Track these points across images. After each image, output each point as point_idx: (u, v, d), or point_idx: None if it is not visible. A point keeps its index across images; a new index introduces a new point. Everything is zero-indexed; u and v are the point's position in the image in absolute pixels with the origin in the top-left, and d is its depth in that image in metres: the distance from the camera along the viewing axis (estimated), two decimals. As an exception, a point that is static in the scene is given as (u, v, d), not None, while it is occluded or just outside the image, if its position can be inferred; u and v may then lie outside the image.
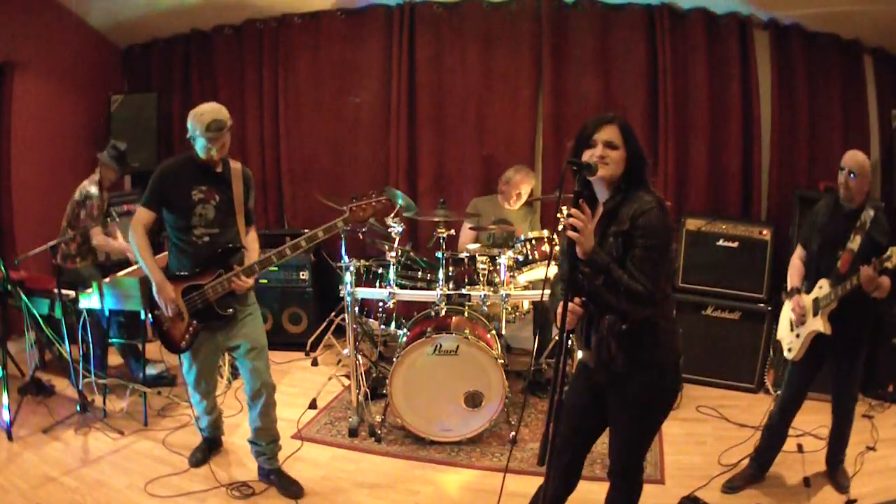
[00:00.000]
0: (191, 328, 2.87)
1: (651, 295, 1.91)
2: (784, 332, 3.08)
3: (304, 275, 4.92)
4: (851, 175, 2.79)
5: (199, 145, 2.75)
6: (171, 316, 2.86)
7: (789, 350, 3.01)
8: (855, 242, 2.77)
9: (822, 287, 2.86)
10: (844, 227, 2.83)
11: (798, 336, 2.95)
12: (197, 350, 2.98)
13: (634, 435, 2.17)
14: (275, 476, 3.08)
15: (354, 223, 2.82)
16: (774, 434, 3.08)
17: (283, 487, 3.03)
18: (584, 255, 1.88)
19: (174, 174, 2.83)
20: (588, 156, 1.99)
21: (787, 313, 3.07)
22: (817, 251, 2.96)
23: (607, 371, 2.08)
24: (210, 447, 3.36)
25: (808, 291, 2.95)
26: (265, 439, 3.05)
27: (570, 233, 1.86)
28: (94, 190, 3.95)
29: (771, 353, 4.21)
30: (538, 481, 2.15)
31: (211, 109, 2.72)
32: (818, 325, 2.84)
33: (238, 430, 3.61)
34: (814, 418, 3.41)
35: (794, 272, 3.09)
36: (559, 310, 1.90)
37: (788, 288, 3.08)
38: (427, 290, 3.74)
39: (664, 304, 2.07)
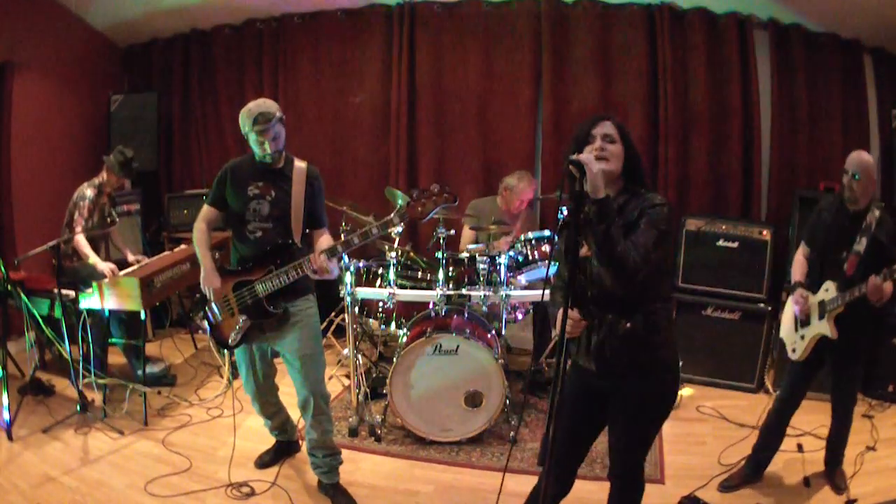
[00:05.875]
0: (239, 325, 2.82)
1: (637, 268, 1.87)
2: (787, 332, 3.07)
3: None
4: (855, 177, 2.78)
5: (252, 140, 2.75)
6: (219, 309, 2.83)
7: (793, 351, 3.00)
8: (861, 245, 2.76)
9: (829, 290, 2.84)
10: (850, 227, 2.82)
11: (803, 337, 2.95)
12: (248, 352, 2.96)
13: (637, 436, 2.16)
14: (332, 491, 2.99)
15: (413, 219, 2.67)
16: (772, 434, 3.08)
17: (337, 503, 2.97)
18: (593, 193, 1.86)
19: (233, 171, 2.85)
20: (588, 151, 1.99)
21: (789, 310, 3.05)
22: (822, 251, 2.95)
23: (609, 374, 2.08)
24: (280, 450, 3.33)
25: (814, 291, 2.94)
26: (320, 452, 2.98)
27: (583, 159, 1.85)
28: (89, 192, 3.94)
29: (772, 353, 4.20)
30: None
31: (256, 104, 2.73)
32: (825, 329, 2.83)
33: (238, 431, 3.60)
34: (814, 418, 3.41)
35: (798, 268, 3.06)
36: (559, 316, 1.90)
37: (792, 282, 3.06)
38: (427, 290, 3.74)
39: (665, 304, 2.08)
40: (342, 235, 4.06)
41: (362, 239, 2.69)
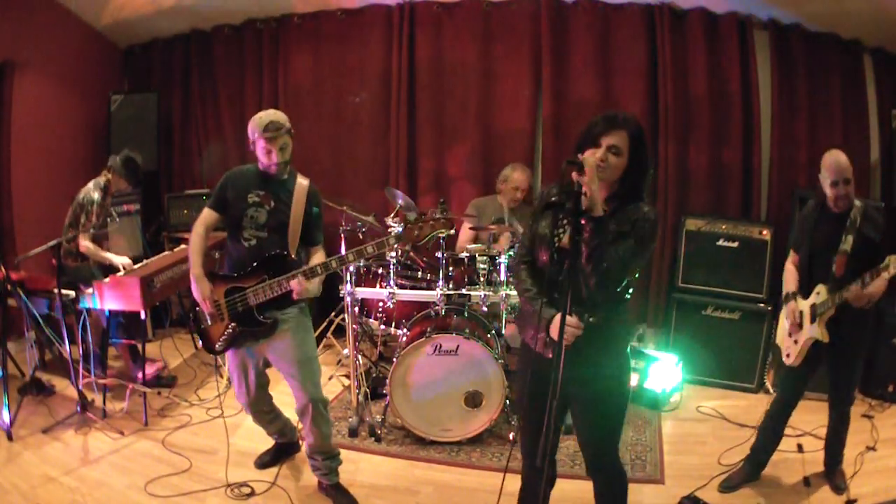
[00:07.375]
0: (228, 331, 2.82)
1: (616, 280, 1.99)
2: (782, 338, 3.07)
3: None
4: (846, 183, 2.78)
5: (259, 147, 2.78)
6: (209, 314, 2.82)
7: (787, 356, 3.00)
8: (847, 243, 2.76)
9: (820, 293, 2.84)
10: (835, 228, 2.82)
11: (796, 342, 2.94)
12: (240, 363, 2.95)
13: (606, 427, 2.22)
14: (332, 491, 3.02)
15: (408, 241, 2.73)
16: (769, 435, 3.09)
17: (339, 503, 2.99)
18: (590, 210, 1.89)
19: (236, 176, 2.88)
20: (589, 154, 1.97)
21: (784, 319, 3.06)
22: (809, 255, 2.95)
23: (570, 364, 2.08)
24: (280, 451, 3.33)
25: (806, 296, 2.94)
26: (320, 455, 2.99)
27: (585, 160, 1.88)
28: (97, 196, 3.92)
29: (770, 355, 4.20)
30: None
31: (267, 114, 2.79)
32: (816, 332, 2.83)
33: (238, 431, 3.61)
34: (814, 418, 3.41)
35: (789, 277, 3.07)
36: (556, 321, 1.91)
37: (784, 293, 3.07)
38: (427, 290, 3.74)
39: (627, 302, 2.15)
40: (342, 235, 4.08)
41: (358, 257, 2.76)
